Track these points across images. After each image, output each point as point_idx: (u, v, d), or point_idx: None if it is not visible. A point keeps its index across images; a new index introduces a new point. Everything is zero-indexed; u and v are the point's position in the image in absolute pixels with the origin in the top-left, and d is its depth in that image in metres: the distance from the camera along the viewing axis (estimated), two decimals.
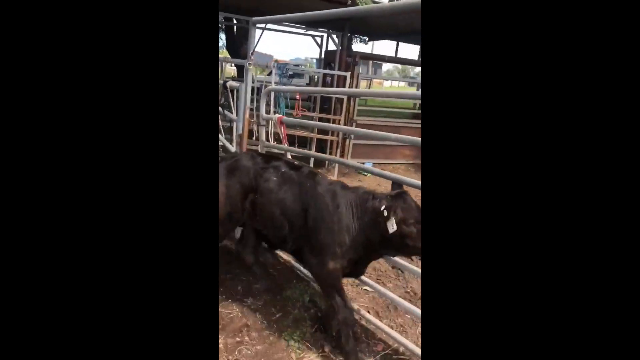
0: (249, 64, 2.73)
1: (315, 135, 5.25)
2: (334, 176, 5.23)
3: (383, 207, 1.60)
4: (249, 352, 1.85)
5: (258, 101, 3.56)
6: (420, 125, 6.51)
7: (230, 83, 3.21)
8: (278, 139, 3.34)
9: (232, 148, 3.14)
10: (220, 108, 3.51)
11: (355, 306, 2.12)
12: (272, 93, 4.62)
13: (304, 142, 5.49)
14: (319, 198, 1.81)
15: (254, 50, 2.74)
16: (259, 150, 2.79)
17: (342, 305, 1.79)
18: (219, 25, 7.07)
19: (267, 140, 2.68)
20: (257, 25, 3.21)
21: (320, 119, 5.34)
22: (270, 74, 5.26)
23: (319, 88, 5.33)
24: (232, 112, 3.26)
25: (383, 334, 2.03)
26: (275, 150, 3.51)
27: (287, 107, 4.87)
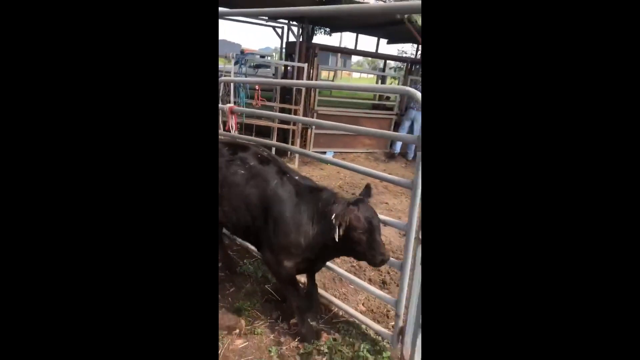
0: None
1: (276, 125, 5.38)
2: (295, 165, 5.40)
3: (333, 216, 1.65)
4: None
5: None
6: (378, 116, 6.84)
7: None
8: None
9: None
10: None
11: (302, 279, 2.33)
12: (232, 84, 4.70)
13: (267, 132, 5.61)
14: (281, 201, 1.85)
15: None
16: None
17: (296, 295, 1.96)
18: None
19: (224, 130, 2.79)
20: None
21: (281, 109, 5.47)
22: (243, 63, 5.32)
23: (273, 80, 5.42)
24: None
25: (327, 302, 2.26)
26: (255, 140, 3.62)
27: (247, 97, 4.97)
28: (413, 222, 1.67)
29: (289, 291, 1.97)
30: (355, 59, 35.38)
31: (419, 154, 1.62)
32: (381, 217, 1.78)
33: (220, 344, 1.88)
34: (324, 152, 5.79)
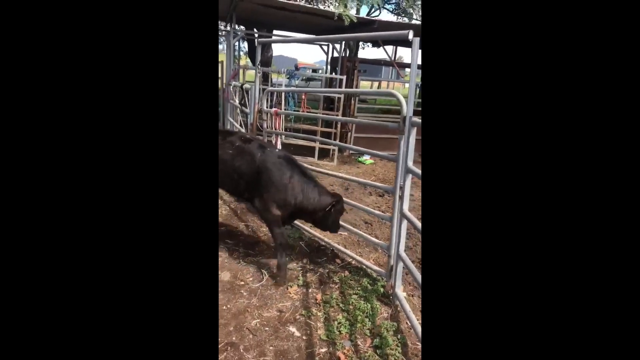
0: (258, 71, 3.75)
1: (319, 128, 6.24)
2: (334, 163, 6.18)
3: (330, 205, 2.56)
4: (254, 258, 2.86)
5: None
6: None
7: (246, 86, 4.24)
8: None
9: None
10: (240, 105, 4.57)
11: (330, 241, 3.08)
12: (283, 94, 5.65)
13: (312, 134, 6.48)
14: (271, 166, 2.60)
15: (259, 62, 3.75)
16: (264, 136, 3.79)
17: (280, 235, 2.68)
18: (242, 35, 8.16)
19: (269, 128, 3.67)
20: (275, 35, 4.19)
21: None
22: (293, 76, 6.34)
23: (308, 89, 6.24)
24: (247, 108, 4.30)
25: (346, 256, 2.98)
26: (284, 139, 4.51)
27: (295, 105, 5.89)
28: (397, 186, 2.35)
29: (274, 231, 2.69)
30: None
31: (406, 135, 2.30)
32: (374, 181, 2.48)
33: (264, 272, 2.69)
34: (362, 155, 6.49)
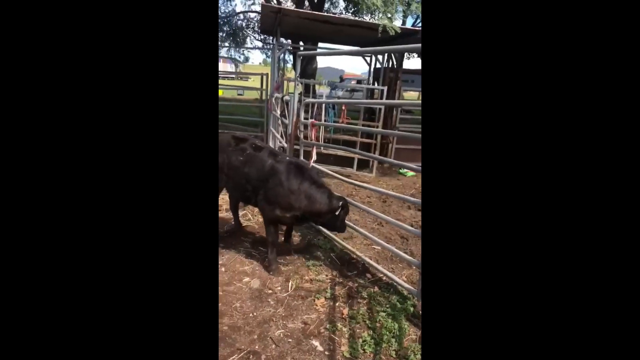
0: (298, 83, 3.83)
1: (358, 139, 6.20)
2: (372, 174, 6.08)
3: (341, 203, 2.69)
4: (284, 268, 2.88)
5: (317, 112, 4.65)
6: None
7: (285, 97, 4.34)
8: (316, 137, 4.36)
9: (285, 145, 4.26)
10: (281, 116, 4.69)
11: (365, 257, 3.02)
12: (323, 105, 5.71)
13: (351, 145, 6.46)
14: (280, 172, 2.72)
15: (299, 74, 3.82)
16: (301, 147, 3.84)
17: (273, 233, 2.84)
18: (288, 49, 8.43)
19: (305, 139, 3.71)
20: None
21: (364, 127, 6.28)
22: (334, 88, 6.43)
23: (343, 100, 6.20)
24: (286, 119, 4.39)
25: (377, 271, 2.90)
26: (322, 150, 4.55)
27: (335, 115, 5.92)
28: None
29: (270, 230, 2.83)
30: None
31: None
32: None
33: (292, 282, 2.70)
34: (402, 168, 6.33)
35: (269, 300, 2.49)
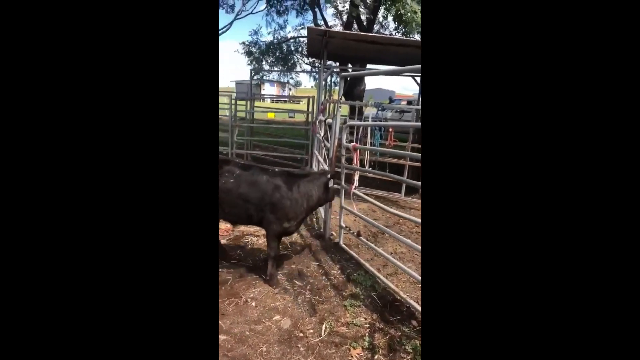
0: (340, 105, 3.65)
1: (407, 162, 5.82)
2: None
3: (330, 179, 2.87)
4: (325, 306, 2.61)
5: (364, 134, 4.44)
6: None
7: (328, 120, 4.18)
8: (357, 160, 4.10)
9: (327, 168, 4.07)
10: (323, 139, 4.53)
11: (403, 294, 2.65)
12: (368, 127, 5.46)
13: (399, 170, 6.09)
14: (278, 187, 2.74)
15: (341, 96, 3.64)
16: (340, 172, 3.61)
17: (275, 248, 2.89)
18: (335, 71, 8.41)
19: (348, 162, 3.48)
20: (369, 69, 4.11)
21: (414, 149, 5.89)
22: (382, 109, 6.21)
23: (390, 123, 5.87)
24: (328, 142, 4.21)
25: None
26: (369, 175, 4.29)
27: (381, 138, 5.63)
28: None
29: (273, 245, 2.85)
30: None
31: None
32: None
33: (326, 325, 2.41)
34: None
35: (299, 345, 2.23)
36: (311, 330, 2.38)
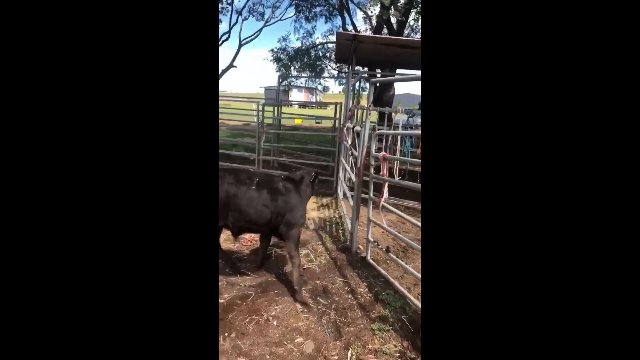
0: (369, 112, 3.47)
1: None
2: None
3: (314, 176, 2.98)
4: (351, 329, 2.42)
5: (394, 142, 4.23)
6: None
7: (357, 128, 4.00)
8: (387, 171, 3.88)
9: (354, 178, 3.88)
10: (351, 147, 4.36)
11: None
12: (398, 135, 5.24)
13: None
14: (288, 192, 2.81)
15: (371, 103, 3.46)
16: (370, 182, 3.41)
17: (298, 255, 2.86)
18: (364, 76, 8.24)
19: (377, 172, 3.28)
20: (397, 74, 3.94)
21: None
22: (412, 115, 5.96)
23: (414, 131, 5.56)
24: (356, 150, 4.03)
25: None
26: (403, 184, 4.07)
27: (412, 146, 5.38)
28: None
29: (296, 250, 2.86)
30: None
31: None
32: None
33: (352, 351, 2.22)
34: None
35: None
36: (336, 357, 2.19)
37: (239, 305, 2.66)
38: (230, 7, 10.19)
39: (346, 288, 3.02)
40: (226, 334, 2.33)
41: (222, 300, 2.71)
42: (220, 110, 9.17)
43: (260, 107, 6.94)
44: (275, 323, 2.48)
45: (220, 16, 10.55)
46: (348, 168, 4.85)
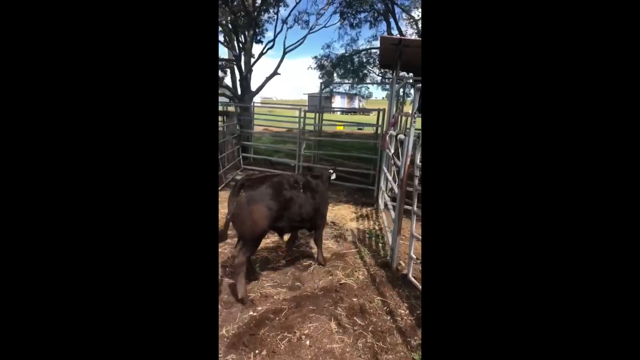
0: (414, 119, 3.25)
1: None
2: None
3: (332, 172, 3.62)
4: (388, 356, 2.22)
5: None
6: None
7: (400, 136, 3.78)
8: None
9: (396, 188, 3.66)
10: (394, 156, 4.14)
11: None
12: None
13: None
14: (320, 191, 3.22)
15: (416, 110, 3.24)
16: (414, 193, 3.18)
17: (322, 238, 3.42)
18: (409, 82, 7.95)
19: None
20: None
21: None
22: None
23: None
24: (399, 160, 3.80)
25: None
26: None
27: None
28: None
29: (321, 239, 3.45)
30: None
31: None
32: None
33: None
34: None
35: None
36: None
37: (271, 319, 2.56)
38: (276, 16, 10.39)
39: (385, 308, 2.81)
40: (257, 351, 2.23)
41: (254, 314, 2.62)
42: (264, 117, 9.31)
43: (302, 114, 6.92)
44: (307, 343, 2.34)
45: (267, 25, 10.77)
46: (390, 177, 4.63)
